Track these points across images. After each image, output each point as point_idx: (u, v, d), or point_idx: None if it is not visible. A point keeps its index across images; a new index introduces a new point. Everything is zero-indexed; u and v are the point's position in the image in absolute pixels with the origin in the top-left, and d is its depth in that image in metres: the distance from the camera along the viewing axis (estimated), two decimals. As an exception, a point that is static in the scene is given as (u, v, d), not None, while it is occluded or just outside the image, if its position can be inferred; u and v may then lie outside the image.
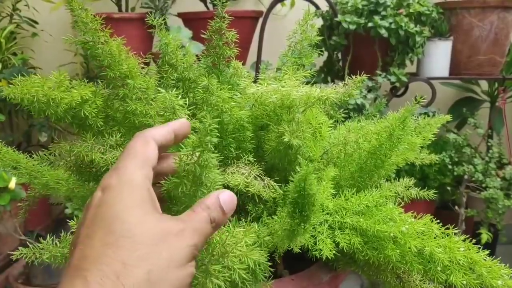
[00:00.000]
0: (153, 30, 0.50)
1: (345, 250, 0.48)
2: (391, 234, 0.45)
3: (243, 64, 0.57)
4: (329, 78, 1.64)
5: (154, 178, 0.36)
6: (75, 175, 0.50)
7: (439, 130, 0.62)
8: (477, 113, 1.74)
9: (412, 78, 1.57)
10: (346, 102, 0.61)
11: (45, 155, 0.50)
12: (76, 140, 0.48)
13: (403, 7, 1.49)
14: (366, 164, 0.53)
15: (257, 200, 0.50)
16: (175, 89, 0.46)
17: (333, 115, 0.61)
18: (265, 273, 0.44)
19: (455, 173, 1.60)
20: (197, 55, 0.54)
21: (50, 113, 0.44)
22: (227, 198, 0.36)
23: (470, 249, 0.42)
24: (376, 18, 1.44)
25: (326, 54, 1.64)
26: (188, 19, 1.63)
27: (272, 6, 1.59)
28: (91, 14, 0.45)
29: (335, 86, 0.49)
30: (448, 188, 1.63)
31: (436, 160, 0.66)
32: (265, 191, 0.48)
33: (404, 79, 1.50)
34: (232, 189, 0.47)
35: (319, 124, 0.54)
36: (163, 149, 0.38)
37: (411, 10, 1.47)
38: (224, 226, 0.39)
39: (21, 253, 0.47)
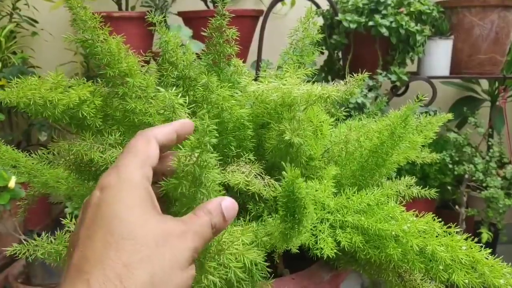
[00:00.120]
0: (153, 28, 0.50)
1: (346, 249, 0.48)
2: (393, 233, 0.45)
3: (244, 63, 0.57)
4: (329, 77, 1.64)
5: (154, 177, 0.36)
6: (74, 174, 0.50)
7: (440, 129, 0.62)
8: (477, 112, 1.74)
9: (413, 77, 1.57)
10: (347, 101, 0.61)
11: (44, 154, 0.50)
12: (75, 139, 0.47)
13: (403, 6, 1.49)
14: (367, 163, 0.53)
15: (258, 199, 0.50)
16: (175, 88, 0.46)
17: (334, 113, 0.61)
18: (262, 273, 0.44)
19: (455, 173, 1.59)
20: (197, 54, 0.53)
21: (48, 115, 0.44)
22: (229, 205, 0.36)
23: (472, 248, 0.42)
24: (377, 17, 1.44)
25: (326, 53, 1.64)
26: (188, 18, 1.63)
27: (272, 5, 1.58)
28: (90, 12, 0.44)
29: (336, 84, 0.49)
30: (449, 187, 1.63)
31: (437, 160, 0.65)
32: (265, 189, 0.47)
33: (405, 78, 1.50)
34: (232, 188, 0.47)
35: (320, 122, 0.53)
36: (165, 149, 0.38)
37: (411, 9, 1.47)
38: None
39: (15, 250, 0.47)
